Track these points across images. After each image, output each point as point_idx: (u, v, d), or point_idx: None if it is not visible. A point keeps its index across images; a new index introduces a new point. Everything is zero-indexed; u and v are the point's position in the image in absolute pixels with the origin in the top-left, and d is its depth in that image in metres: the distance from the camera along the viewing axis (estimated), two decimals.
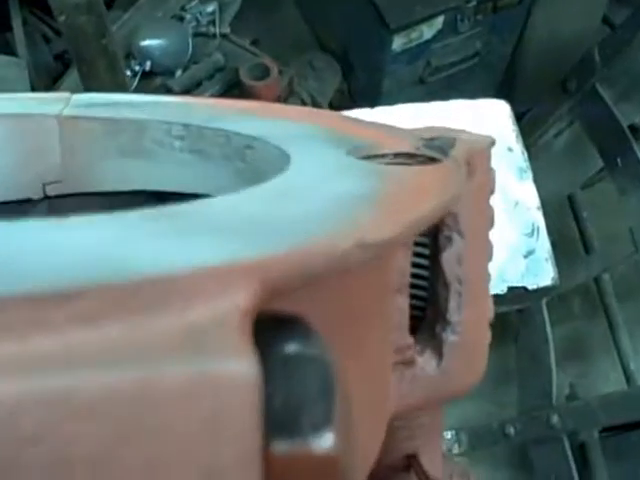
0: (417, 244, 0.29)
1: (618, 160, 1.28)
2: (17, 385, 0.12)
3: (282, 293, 0.16)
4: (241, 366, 0.13)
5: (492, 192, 0.29)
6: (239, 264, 0.15)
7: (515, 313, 1.53)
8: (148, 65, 1.57)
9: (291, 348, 0.15)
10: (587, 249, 1.58)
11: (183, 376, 0.13)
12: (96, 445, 0.13)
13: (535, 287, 0.62)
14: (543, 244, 0.63)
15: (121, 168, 0.35)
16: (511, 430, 1.40)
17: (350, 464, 0.15)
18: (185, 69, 1.62)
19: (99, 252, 0.16)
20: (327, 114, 0.36)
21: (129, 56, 1.58)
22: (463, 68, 1.65)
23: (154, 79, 1.59)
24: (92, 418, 0.13)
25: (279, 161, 0.28)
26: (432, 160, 0.28)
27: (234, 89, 1.56)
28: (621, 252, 1.33)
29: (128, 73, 1.55)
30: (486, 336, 0.29)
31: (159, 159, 0.35)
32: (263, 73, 1.55)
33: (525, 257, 0.62)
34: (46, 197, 0.36)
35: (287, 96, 1.58)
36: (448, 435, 1.49)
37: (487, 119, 0.68)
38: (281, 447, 0.14)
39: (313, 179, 0.23)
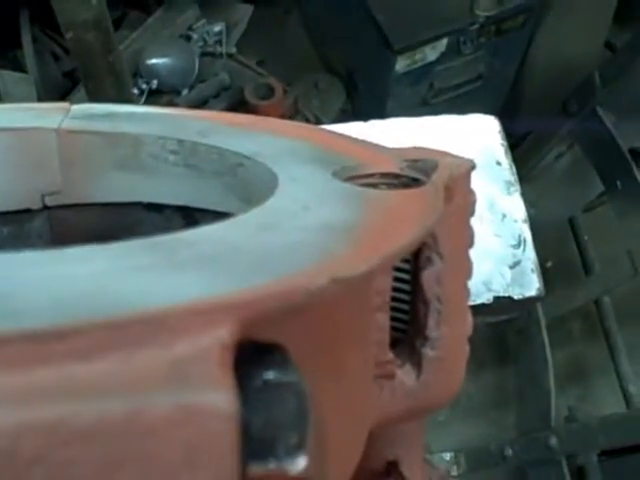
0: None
1: (618, 183, 1.29)
2: (18, 413, 0.14)
3: (260, 325, 0.17)
4: (220, 398, 0.14)
5: (472, 214, 0.30)
6: (221, 301, 0.16)
7: (514, 335, 1.53)
8: (155, 83, 1.59)
9: (269, 375, 0.16)
10: (587, 271, 1.58)
11: (168, 406, 0.14)
12: (90, 469, 0.14)
13: (521, 297, 0.63)
14: (529, 255, 0.64)
15: (118, 180, 0.37)
16: (509, 452, 1.40)
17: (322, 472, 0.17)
18: (191, 88, 1.64)
19: (93, 287, 0.17)
20: (316, 129, 0.37)
21: (136, 74, 1.60)
22: (466, 90, 1.66)
23: (161, 97, 1.61)
24: (86, 444, 0.14)
25: (267, 180, 0.29)
26: (415, 181, 0.29)
27: (239, 108, 1.57)
28: (622, 275, 1.33)
29: (135, 91, 1.56)
30: (464, 351, 0.30)
31: (155, 172, 0.36)
32: (268, 93, 1.57)
33: (511, 268, 0.64)
34: (45, 207, 0.37)
35: (291, 115, 1.60)
36: (447, 457, 1.49)
37: (477, 133, 0.69)
38: (257, 470, 0.15)
39: (297, 207, 0.25)
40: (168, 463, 0.14)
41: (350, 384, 0.25)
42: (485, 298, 0.61)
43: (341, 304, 0.23)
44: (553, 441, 1.32)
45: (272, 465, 0.15)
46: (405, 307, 0.29)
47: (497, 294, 0.62)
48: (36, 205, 0.37)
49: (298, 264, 0.19)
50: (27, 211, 0.37)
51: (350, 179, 0.29)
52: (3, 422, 0.13)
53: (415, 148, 0.32)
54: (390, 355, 0.29)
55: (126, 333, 0.15)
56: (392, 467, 0.32)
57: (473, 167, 0.29)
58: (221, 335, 0.15)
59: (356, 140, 0.35)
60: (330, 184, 0.28)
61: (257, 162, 0.31)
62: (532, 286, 0.62)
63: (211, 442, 0.14)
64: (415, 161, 0.30)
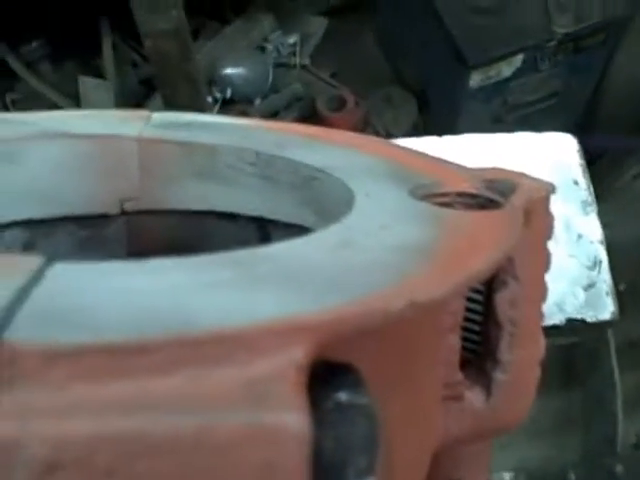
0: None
1: None
2: (93, 424, 0.14)
3: (335, 345, 0.17)
4: (294, 419, 0.15)
5: (550, 237, 0.29)
6: (298, 322, 0.16)
7: (583, 357, 1.49)
8: (229, 92, 1.62)
9: (341, 397, 0.16)
10: None
11: (241, 425, 0.14)
12: None
13: (594, 320, 0.61)
14: (604, 277, 0.62)
15: (194, 189, 0.37)
16: (572, 477, 1.36)
17: None
18: (265, 98, 1.65)
19: (171, 301, 0.17)
20: (391, 145, 0.37)
21: (211, 83, 1.62)
22: (541, 108, 1.63)
23: (234, 106, 1.63)
24: (159, 458, 0.14)
25: (342, 196, 0.29)
26: (491, 202, 0.28)
27: (310, 119, 1.58)
28: None
29: (210, 100, 1.59)
30: (535, 375, 0.30)
31: (231, 182, 0.36)
32: (340, 105, 1.57)
33: (585, 290, 0.62)
34: (123, 213, 0.38)
35: (362, 128, 1.60)
36: (507, 477, 1.46)
37: (554, 152, 0.67)
38: None
39: (373, 225, 0.25)
40: (238, 479, 0.14)
41: (419, 405, 0.25)
42: (557, 319, 0.60)
43: (415, 326, 0.23)
44: (619, 468, 1.28)
45: None
46: (477, 328, 0.29)
47: (570, 316, 0.60)
48: (114, 210, 0.38)
49: (376, 285, 0.19)
50: (105, 216, 0.38)
51: (426, 197, 0.29)
52: (80, 433, 0.14)
53: (492, 169, 0.32)
54: (459, 376, 0.28)
55: (203, 350, 0.15)
56: None
57: (553, 190, 0.29)
58: (296, 356, 0.15)
59: (432, 158, 0.35)
60: (406, 202, 0.28)
61: (332, 176, 0.32)
62: (606, 309, 0.61)
63: (283, 462, 0.15)
64: (492, 181, 0.30)
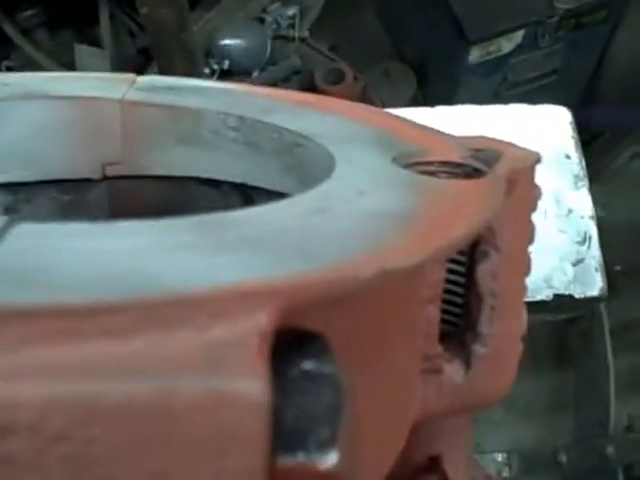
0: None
1: None
2: (45, 389, 0.14)
3: (302, 312, 0.16)
4: (254, 386, 0.14)
5: (534, 209, 0.29)
6: (262, 287, 0.16)
7: (576, 337, 1.50)
8: (226, 64, 1.60)
9: (307, 365, 0.16)
10: None
11: (199, 391, 0.14)
12: (114, 449, 0.14)
13: (582, 296, 0.61)
14: (594, 253, 0.62)
15: (177, 154, 0.37)
16: (564, 458, 1.36)
17: (355, 477, 0.16)
18: (262, 70, 1.64)
19: (132, 263, 0.17)
20: (381, 113, 0.37)
21: (208, 54, 1.61)
22: (541, 84, 1.62)
23: (231, 78, 1.62)
24: (112, 424, 0.14)
25: (324, 162, 0.29)
26: (476, 171, 0.28)
27: (308, 93, 1.57)
28: None
29: (207, 71, 1.58)
30: (517, 349, 0.29)
31: (214, 148, 0.36)
32: (338, 78, 1.56)
33: (574, 265, 0.62)
34: (105, 178, 0.38)
35: (360, 102, 1.59)
36: (499, 457, 1.47)
37: (547, 124, 0.67)
38: (286, 463, 0.15)
39: (351, 191, 0.24)
40: (195, 449, 0.14)
41: (394, 377, 0.24)
42: (545, 295, 0.60)
43: (389, 295, 0.22)
44: (610, 450, 1.29)
45: (301, 458, 0.15)
46: (458, 300, 0.29)
47: (557, 291, 0.60)
48: (97, 175, 0.38)
49: (347, 252, 0.19)
50: (87, 180, 0.38)
51: (409, 165, 0.28)
52: (30, 396, 0.13)
53: (479, 137, 0.31)
54: (439, 349, 0.28)
55: (161, 313, 0.15)
56: (434, 463, 0.31)
57: (538, 160, 0.28)
58: (260, 321, 0.15)
59: (419, 126, 0.34)
60: (388, 169, 0.27)
61: (315, 143, 0.31)
62: (595, 285, 0.60)
63: (240, 431, 0.14)
64: (478, 151, 0.29)
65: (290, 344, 0.16)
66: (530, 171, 0.28)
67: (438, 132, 0.33)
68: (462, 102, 1.67)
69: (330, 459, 0.15)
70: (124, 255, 0.17)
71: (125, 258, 0.17)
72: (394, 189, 0.25)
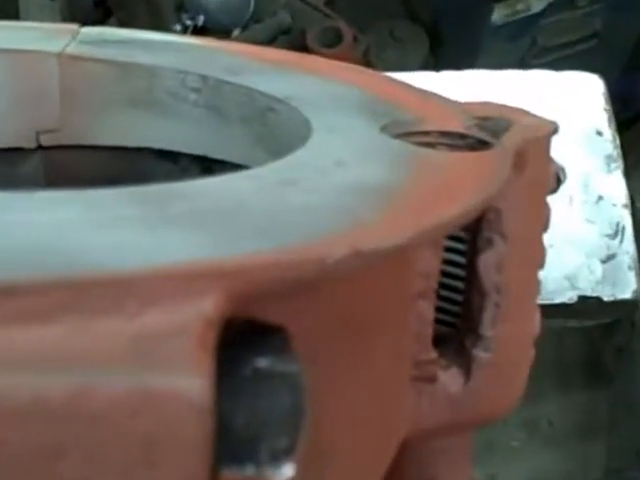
0: (454, 238, 0.29)
1: None
2: None
3: (260, 300, 0.16)
4: (192, 384, 0.14)
5: (549, 189, 0.29)
6: (210, 267, 0.16)
7: (612, 353, 1.50)
8: (201, 20, 1.59)
9: (262, 362, 0.16)
10: None
11: (124, 388, 0.14)
12: (23, 454, 0.14)
13: (612, 299, 0.60)
14: (627, 249, 0.62)
15: (127, 120, 0.37)
16: None
17: None
18: (244, 28, 1.64)
19: (55, 238, 0.17)
20: (373, 75, 0.37)
21: (180, 8, 1.60)
22: (577, 51, 1.63)
23: (207, 37, 1.62)
24: (21, 425, 0.14)
25: (301, 131, 0.29)
26: (481, 143, 0.28)
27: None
28: None
29: (178, 28, 1.57)
30: (527, 356, 0.30)
31: (171, 113, 0.36)
32: (335, 39, 1.56)
33: (603, 262, 0.61)
34: (40, 147, 0.38)
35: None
36: None
37: (574, 94, 0.66)
38: (230, 476, 0.15)
39: (328, 162, 0.24)
40: (119, 458, 0.14)
41: (376, 384, 0.25)
42: (567, 297, 0.59)
43: (368, 284, 0.22)
44: None
45: (250, 471, 0.15)
46: (457, 297, 0.29)
47: (583, 293, 0.59)
48: (30, 144, 0.37)
49: (315, 230, 0.18)
50: (19, 150, 0.38)
51: (402, 136, 0.28)
52: None
53: (487, 104, 0.32)
54: (433, 353, 0.28)
55: (83, 297, 0.14)
56: None
57: (555, 131, 0.28)
58: (204, 308, 0.15)
59: (419, 90, 0.35)
60: (375, 139, 0.28)
61: (291, 107, 0.31)
62: (627, 286, 0.60)
63: (174, 437, 0.14)
64: (485, 119, 0.30)
65: (242, 339, 0.16)
66: (545, 142, 0.28)
67: (440, 98, 0.34)
68: (482, 69, 1.67)
69: (284, 473, 0.15)
70: (46, 229, 0.17)
71: (47, 233, 0.17)
72: (380, 161, 0.25)
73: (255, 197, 0.21)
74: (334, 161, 0.24)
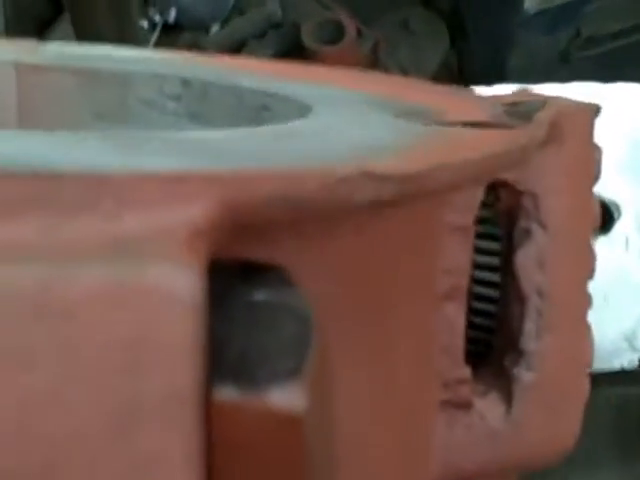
0: (485, 236, 0.29)
1: None
2: None
3: (260, 229, 0.17)
4: (179, 275, 0.14)
5: (596, 178, 0.29)
6: (198, 174, 0.16)
7: None
8: (172, 15, 1.61)
9: (259, 296, 0.16)
10: None
11: (102, 278, 0.14)
12: None
13: None
14: None
15: None
16: None
17: (323, 432, 0.16)
18: (225, 22, 1.65)
19: (23, 147, 0.18)
20: (386, 80, 0.38)
21: (147, 2, 1.62)
22: (629, 42, 1.64)
23: (180, 34, 1.62)
24: None
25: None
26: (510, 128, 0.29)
27: (292, 54, 1.57)
28: None
29: (145, 25, 1.59)
30: (580, 383, 0.29)
31: (146, 125, 0.37)
32: (335, 34, 1.56)
33: None
34: None
35: (368, 68, 1.60)
36: None
37: (629, 113, 0.66)
38: (226, 395, 0.15)
39: (329, 126, 0.25)
40: (96, 363, 0.14)
41: (399, 402, 0.24)
42: (627, 360, 0.58)
43: (384, 242, 0.22)
44: None
45: (251, 390, 0.15)
46: (491, 308, 0.29)
47: None
48: None
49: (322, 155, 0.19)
50: None
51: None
52: None
53: (518, 91, 0.32)
54: (465, 371, 0.27)
55: (58, 193, 0.15)
56: None
57: (597, 111, 0.29)
58: (193, 213, 0.15)
59: (438, 87, 0.36)
60: (384, 120, 0.28)
61: (288, 104, 0.32)
62: None
63: (160, 337, 0.14)
64: (514, 104, 0.30)
65: (239, 275, 0.16)
66: (586, 121, 0.29)
67: (463, 91, 0.34)
68: (515, 67, 1.69)
69: (289, 394, 0.14)
70: (13, 148, 0.18)
71: (13, 149, 0.18)
72: (385, 129, 0.25)
73: (251, 144, 0.21)
74: (336, 125, 0.25)
